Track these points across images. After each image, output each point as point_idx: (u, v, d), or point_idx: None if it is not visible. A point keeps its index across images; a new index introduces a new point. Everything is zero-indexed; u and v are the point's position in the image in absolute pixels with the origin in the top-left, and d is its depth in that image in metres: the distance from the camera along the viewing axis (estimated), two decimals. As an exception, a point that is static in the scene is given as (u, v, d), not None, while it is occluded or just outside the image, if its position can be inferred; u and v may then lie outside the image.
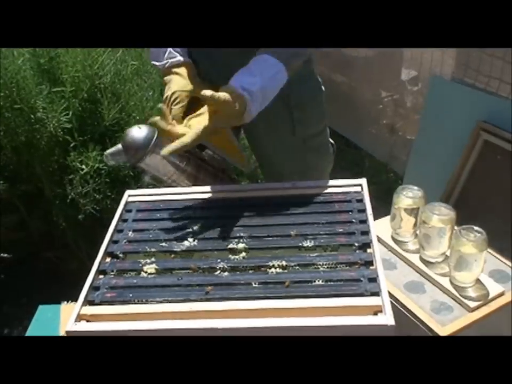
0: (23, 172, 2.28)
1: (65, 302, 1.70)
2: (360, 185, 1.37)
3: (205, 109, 1.36)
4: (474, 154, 2.22)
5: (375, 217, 1.69)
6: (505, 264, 1.53)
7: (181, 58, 1.51)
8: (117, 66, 2.21)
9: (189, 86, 1.49)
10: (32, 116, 2.05)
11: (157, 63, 1.53)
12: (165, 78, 1.52)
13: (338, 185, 1.37)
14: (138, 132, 1.47)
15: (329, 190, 1.36)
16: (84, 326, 1.07)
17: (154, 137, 1.46)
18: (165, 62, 1.50)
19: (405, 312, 1.40)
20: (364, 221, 1.25)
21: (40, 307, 1.76)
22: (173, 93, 1.46)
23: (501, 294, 1.41)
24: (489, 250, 1.51)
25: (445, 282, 1.44)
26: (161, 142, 1.41)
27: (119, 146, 1.49)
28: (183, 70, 1.50)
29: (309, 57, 1.59)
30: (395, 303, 1.42)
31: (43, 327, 1.68)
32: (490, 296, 1.40)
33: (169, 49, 1.50)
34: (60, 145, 2.16)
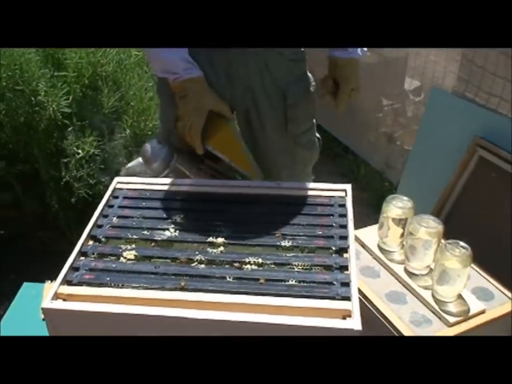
0: (21, 151, 2.31)
1: (49, 281, 1.72)
2: (344, 190, 1.38)
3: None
4: (469, 170, 2.22)
5: (365, 225, 1.71)
6: (489, 282, 1.52)
7: (199, 73, 1.48)
8: (119, 55, 2.23)
9: (207, 100, 1.49)
10: (33, 98, 2.08)
11: (171, 76, 1.48)
12: (179, 91, 1.48)
13: (322, 189, 1.39)
14: (159, 149, 1.49)
15: (314, 192, 1.38)
16: (59, 305, 1.09)
17: (175, 156, 1.49)
18: (180, 75, 1.46)
19: (384, 321, 1.41)
20: (344, 226, 1.27)
21: (25, 284, 1.79)
22: (194, 109, 1.47)
23: (482, 312, 1.41)
24: (474, 267, 1.52)
25: (427, 295, 1.44)
26: (179, 157, 1.46)
27: (140, 160, 1.51)
28: (199, 84, 1.48)
29: (304, 57, 1.62)
30: (375, 312, 1.43)
31: (25, 304, 1.70)
32: (471, 312, 1.40)
33: (187, 63, 1.47)
34: (59, 128, 2.19)
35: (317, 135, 1.80)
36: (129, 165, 1.54)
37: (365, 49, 1.60)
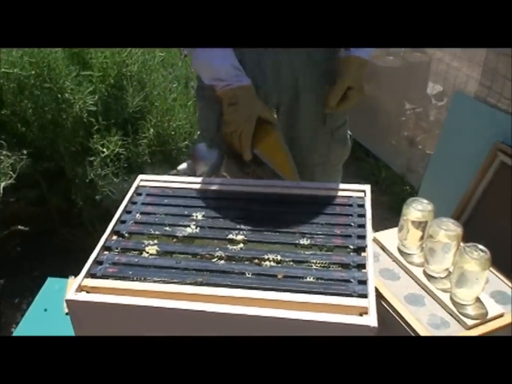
0: (47, 149, 2.35)
1: (73, 277, 1.76)
2: (363, 191, 1.39)
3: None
4: (490, 174, 2.22)
5: (386, 228, 1.72)
6: (508, 285, 1.51)
7: (248, 80, 1.49)
8: (144, 56, 2.27)
9: (256, 107, 1.50)
10: (60, 96, 2.12)
11: (220, 83, 1.48)
12: (229, 98, 1.48)
13: (342, 189, 1.40)
14: (209, 153, 1.50)
15: (333, 192, 1.39)
16: (83, 296, 1.12)
17: (225, 160, 1.51)
18: (230, 82, 1.47)
19: (402, 323, 1.41)
20: (363, 226, 1.28)
21: (49, 279, 1.83)
22: (245, 116, 1.48)
23: (500, 315, 1.40)
24: (493, 270, 1.52)
25: (445, 298, 1.44)
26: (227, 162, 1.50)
27: (190, 163, 1.53)
28: (249, 91, 1.49)
29: (337, 52, 1.62)
30: (393, 313, 1.44)
31: (49, 298, 1.74)
32: (489, 316, 1.40)
33: (237, 70, 1.48)
34: (84, 127, 2.23)
35: (349, 131, 1.82)
36: (180, 167, 1.56)
37: (370, 50, 1.59)
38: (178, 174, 1.55)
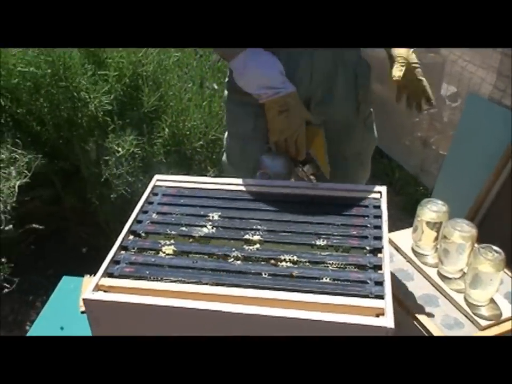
0: (62, 148, 2.36)
1: (88, 275, 1.77)
2: (379, 192, 1.39)
3: None
4: (504, 176, 2.21)
5: (399, 228, 1.72)
6: (523, 287, 1.53)
7: (294, 87, 1.50)
8: (160, 56, 2.27)
9: (303, 112, 1.52)
10: (75, 95, 2.13)
11: (270, 91, 1.48)
12: (279, 106, 1.48)
13: (358, 190, 1.40)
14: (284, 165, 1.53)
15: (349, 193, 1.39)
16: (100, 296, 1.13)
17: (293, 168, 1.55)
18: (279, 90, 1.48)
19: (416, 324, 1.42)
20: (379, 227, 1.28)
21: (64, 278, 1.83)
22: (298, 121, 1.50)
23: (514, 316, 1.42)
24: (507, 272, 1.52)
25: (459, 298, 1.45)
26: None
27: (261, 174, 1.53)
28: (296, 97, 1.50)
29: None
30: (407, 314, 1.44)
31: (64, 297, 1.75)
32: (503, 317, 1.40)
33: (283, 76, 1.49)
34: (100, 126, 2.24)
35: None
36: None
37: None
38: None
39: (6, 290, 2.19)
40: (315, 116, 1.58)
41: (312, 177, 1.53)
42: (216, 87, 2.46)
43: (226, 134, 1.79)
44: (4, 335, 2.31)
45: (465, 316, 1.41)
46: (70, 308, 1.68)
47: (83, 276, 1.80)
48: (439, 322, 1.40)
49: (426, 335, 1.38)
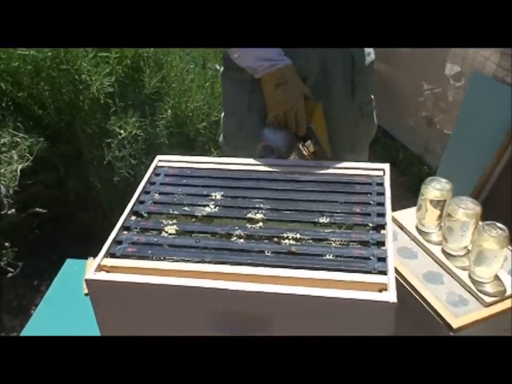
0: (64, 132, 2.36)
1: (92, 258, 1.76)
2: (382, 169, 1.38)
3: None
4: (508, 153, 2.21)
5: (405, 208, 1.71)
6: (526, 263, 1.52)
7: (290, 60, 1.49)
8: (161, 36, 2.25)
9: (301, 85, 1.52)
10: (77, 77, 2.12)
11: (266, 63, 1.48)
12: (277, 78, 1.48)
13: (361, 168, 1.39)
14: (286, 138, 1.52)
15: (352, 171, 1.38)
16: (103, 276, 1.12)
17: (295, 142, 1.55)
18: (276, 62, 1.47)
19: (421, 301, 1.42)
20: (382, 204, 1.27)
21: (68, 261, 1.83)
22: (297, 94, 1.50)
23: (519, 293, 1.42)
24: (511, 248, 1.52)
25: (464, 275, 1.44)
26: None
27: (269, 150, 1.53)
28: (293, 70, 1.50)
29: None
30: (411, 292, 1.44)
31: (68, 279, 1.75)
32: (508, 293, 1.40)
33: (280, 50, 1.48)
34: (101, 109, 2.23)
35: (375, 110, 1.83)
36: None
37: None
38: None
39: (9, 274, 2.19)
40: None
41: (313, 154, 1.53)
42: (218, 67, 2.44)
43: (222, 114, 1.79)
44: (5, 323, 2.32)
45: (470, 293, 1.41)
46: (74, 290, 1.68)
47: (87, 259, 1.80)
48: (444, 300, 1.39)
49: (431, 312, 1.38)
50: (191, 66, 2.38)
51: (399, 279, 1.42)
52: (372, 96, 1.77)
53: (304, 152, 1.55)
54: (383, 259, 1.11)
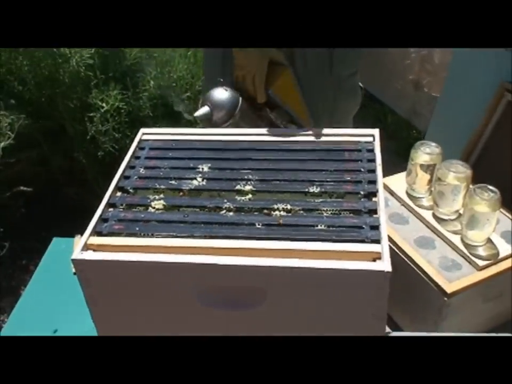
0: (45, 107, 2.31)
1: (79, 236, 1.74)
2: (372, 135, 1.36)
3: None
4: (497, 114, 2.18)
5: (393, 173, 1.70)
6: (519, 226, 1.52)
7: None
8: (140, 5, 2.20)
9: (269, 51, 1.49)
10: (55, 50, 2.07)
11: None
12: None
13: (350, 134, 1.37)
14: (225, 96, 1.49)
15: (341, 138, 1.35)
16: (90, 255, 1.09)
17: (240, 102, 1.50)
18: None
19: (413, 266, 1.41)
20: (373, 171, 1.25)
21: (54, 239, 1.81)
22: (258, 58, 1.48)
23: (511, 255, 1.41)
24: (503, 211, 1.51)
25: (456, 240, 1.44)
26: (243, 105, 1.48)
27: (207, 108, 1.50)
28: None
29: None
30: (404, 257, 1.43)
31: (56, 258, 1.73)
32: (500, 256, 1.40)
33: None
34: (82, 82, 2.18)
35: (360, 84, 1.78)
36: (198, 113, 1.53)
37: None
38: (197, 119, 1.53)
39: (-3, 255, 2.17)
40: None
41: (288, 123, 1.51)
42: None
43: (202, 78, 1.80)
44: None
45: (463, 257, 1.41)
46: (63, 269, 1.66)
47: (74, 237, 1.78)
48: (437, 264, 1.39)
49: (424, 277, 1.37)
50: (173, 34, 2.32)
51: (391, 245, 1.40)
52: (355, 69, 1.74)
53: (275, 120, 1.52)
54: (375, 227, 1.10)
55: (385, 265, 1.01)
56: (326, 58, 1.61)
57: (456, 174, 1.44)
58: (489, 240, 1.43)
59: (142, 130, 1.44)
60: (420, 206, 1.57)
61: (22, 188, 2.32)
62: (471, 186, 1.42)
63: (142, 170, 1.31)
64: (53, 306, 1.56)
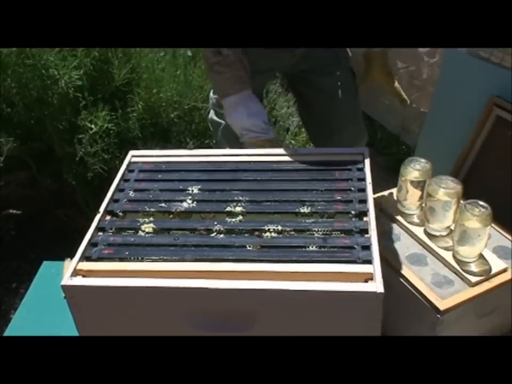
0: (34, 129, 2.30)
1: (69, 259, 1.72)
2: (362, 154, 1.36)
3: None
4: (486, 130, 2.18)
5: (384, 189, 1.70)
6: (510, 240, 1.50)
7: (274, 134, 1.58)
8: (128, 26, 2.20)
9: None
10: (44, 72, 2.06)
11: (250, 134, 1.56)
12: (256, 147, 1.53)
13: (340, 153, 1.37)
14: None
15: (331, 157, 1.36)
16: (79, 281, 1.09)
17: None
18: (259, 135, 1.55)
19: (406, 284, 1.40)
20: (363, 190, 1.25)
21: (44, 263, 1.79)
22: None
23: (504, 271, 1.40)
24: (494, 226, 1.51)
25: (448, 256, 1.43)
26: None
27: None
28: (273, 143, 1.56)
29: None
30: (396, 275, 1.43)
31: (46, 282, 1.71)
32: (493, 272, 1.39)
33: (267, 125, 1.56)
34: (71, 104, 2.18)
35: None
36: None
37: None
38: None
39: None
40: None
41: None
42: (190, 54, 2.40)
43: (211, 91, 1.82)
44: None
45: (455, 273, 1.40)
46: (53, 293, 1.63)
47: (64, 260, 1.76)
48: (429, 281, 1.38)
49: (417, 294, 1.36)
50: (161, 54, 2.32)
51: (383, 262, 1.40)
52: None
53: None
54: (367, 247, 1.10)
55: (377, 286, 1.01)
56: (347, 70, 1.79)
57: (446, 190, 1.44)
58: (481, 256, 1.42)
59: (131, 152, 1.44)
60: (410, 223, 1.56)
61: (11, 210, 2.31)
62: (461, 202, 1.42)
63: (131, 193, 1.30)
64: (43, 330, 1.54)
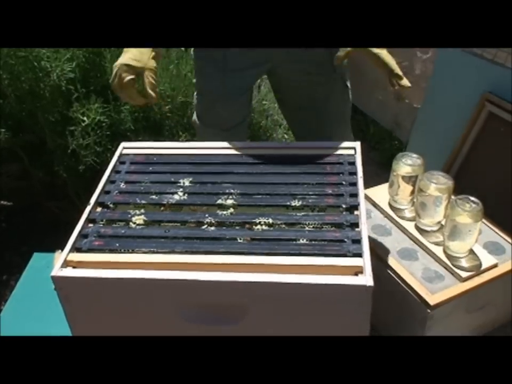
0: (26, 121, 2.29)
1: (60, 251, 1.71)
2: (353, 148, 1.36)
3: None
4: (478, 125, 2.19)
5: (376, 184, 1.71)
6: (500, 236, 1.53)
7: None
8: (121, 19, 2.19)
9: None
10: (36, 64, 2.04)
11: None
12: None
13: (331, 147, 1.37)
14: None
15: (322, 151, 1.36)
16: (69, 272, 1.08)
17: None
18: None
19: (396, 278, 1.41)
20: (354, 184, 1.25)
21: (35, 255, 1.78)
22: None
23: (494, 266, 1.41)
24: (485, 222, 1.52)
25: (438, 251, 1.44)
26: None
27: None
28: None
29: None
30: (387, 269, 1.43)
31: (36, 273, 1.70)
32: (483, 267, 1.40)
33: None
34: (63, 96, 2.16)
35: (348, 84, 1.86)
36: None
37: None
38: None
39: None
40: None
41: None
42: (182, 48, 2.38)
43: (195, 92, 1.78)
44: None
45: (445, 268, 1.41)
46: (43, 285, 1.63)
47: (55, 252, 1.76)
48: (420, 276, 1.39)
49: (407, 289, 1.37)
50: (154, 48, 2.31)
51: (374, 257, 1.40)
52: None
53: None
54: (357, 241, 1.10)
55: (367, 279, 1.01)
56: (328, 57, 1.65)
57: (437, 185, 1.45)
58: (471, 251, 1.43)
59: (123, 144, 1.44)
60: (402, 217, 1.57)
61: (2, 202, 2.29)
62: (452, 197, 1.43)
63: (122, 185, 1.30)
64: (33, 322, 1.54)
